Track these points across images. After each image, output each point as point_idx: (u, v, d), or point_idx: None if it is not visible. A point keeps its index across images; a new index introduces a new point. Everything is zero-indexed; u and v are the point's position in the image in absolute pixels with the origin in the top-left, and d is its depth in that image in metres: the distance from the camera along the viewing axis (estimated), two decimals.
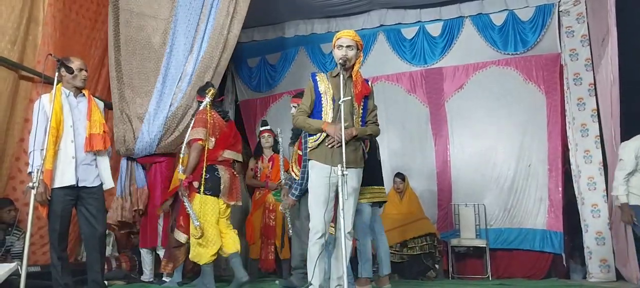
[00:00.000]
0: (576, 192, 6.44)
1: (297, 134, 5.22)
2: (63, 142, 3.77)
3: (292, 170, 5.20)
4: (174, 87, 5.58)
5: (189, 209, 4.48)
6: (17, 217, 4.68)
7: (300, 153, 5.04)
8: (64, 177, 3.74)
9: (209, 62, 5.64)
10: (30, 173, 3.67)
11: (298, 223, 5.23)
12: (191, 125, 4.69)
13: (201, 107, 4.73)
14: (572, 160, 6.52)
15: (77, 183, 3.79)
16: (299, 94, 5.45)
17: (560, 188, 6.68)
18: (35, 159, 3.63)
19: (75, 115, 3.88)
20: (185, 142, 4.67)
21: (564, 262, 6.54)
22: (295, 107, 5.26)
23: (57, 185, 3.71)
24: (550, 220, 6.65)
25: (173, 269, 4.88)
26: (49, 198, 3.66)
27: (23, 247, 4.34)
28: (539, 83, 7.02)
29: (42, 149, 3.60)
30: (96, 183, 3.90)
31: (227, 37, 5.75)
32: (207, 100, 4.74)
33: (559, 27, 6.93)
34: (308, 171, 3.86)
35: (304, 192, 4.90)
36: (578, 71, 6.62)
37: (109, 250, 5.64)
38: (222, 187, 4.60)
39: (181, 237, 4.68)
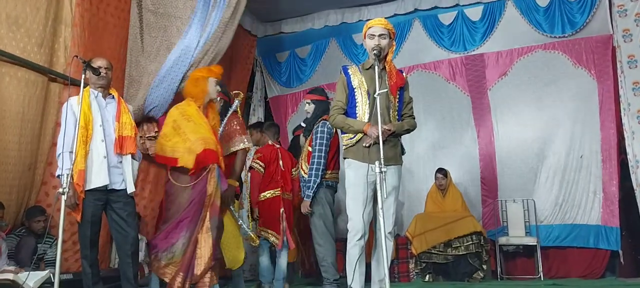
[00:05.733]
0: (634, 184, 6.28)
1: (311, 129, 5.26)
2: (93, 143, 3.85)
3: (301, 168, 5.26)
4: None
5: (239, 218, 4.75)
6: (47, 226, 4.83)
7: (310, 149, 5.10)
8: (98, 178, 3.82)
9: (209, 47, 5.87)
10: (58, 176, 3.76)
11: (312, 227, 5.29)
12: (223, 130, 4.68)
13: (232, 111, 4.80)
14: (628, 149, 6.37)
15: (108, 185, 3.90)
16: (315, 90, 5.55)
17: (615, 181, 6.55)
18: (65, 162, 3.71)
19: (105, 115, 3.98)
20: (226, 149, 4.66)
21: (622, 260, 6.41)
22: (309, 103, 5.35)
23: (88, 187, 3.79)
24: (606, 214, 6.53)
25: None
26: (78, 202, 3.75)
27: (55, 255, 4.53)
28: (589, 67, 6.89)
29: (72, 152, 3.66)
30: (124, 187, 3.99)
31: (226, 28, 5.98)
32: (237, 103, 4.86)
33: (610, 6, 6.78)
34: (343, 169, 3.91)
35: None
36: (633, 53, 6.47)
37: (141, 256, 5.75)
38: None
39: None
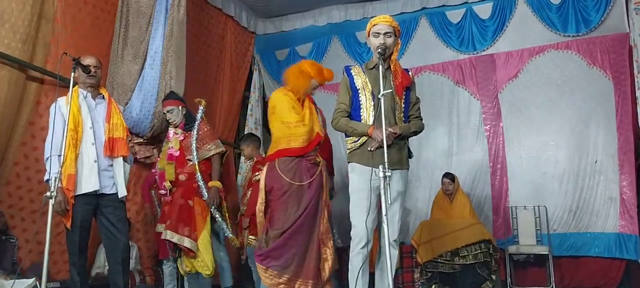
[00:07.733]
0: None
1: None
2: (83, 146, 3.83)
3: None
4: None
5: (223, 223, 4.93)
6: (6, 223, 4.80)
7: None
8: (88, 183, 3.81)
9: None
10: (47, 180, 3.72)
11: None
12: (197, 136, 4.96)
13: (199, 119, 5.07)
14: None
15: (98, 190, 3.87)
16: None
17: (633, 186, 6.51)
18: (53, 166, 3.67)
19: (94, 117, 3.95)
20: (203, 154, 4.97)
21: None
22: None
23: (78, 191, 3.77)
24: (623, 222, 6.47)
25: None
26: (68, 208, 3.73)
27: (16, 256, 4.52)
28: (604, 68, 6.85)
29: (60, 155, 3.65)
30: (114, 191, 3.97)
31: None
32: (201, 110, 5.11)
33: (626, 3, 6.72)
34: (348, 173, 3.89)
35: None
36: None
37: (132, 264, 5.74)
38: None
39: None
